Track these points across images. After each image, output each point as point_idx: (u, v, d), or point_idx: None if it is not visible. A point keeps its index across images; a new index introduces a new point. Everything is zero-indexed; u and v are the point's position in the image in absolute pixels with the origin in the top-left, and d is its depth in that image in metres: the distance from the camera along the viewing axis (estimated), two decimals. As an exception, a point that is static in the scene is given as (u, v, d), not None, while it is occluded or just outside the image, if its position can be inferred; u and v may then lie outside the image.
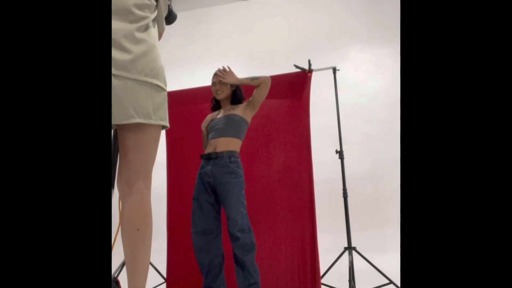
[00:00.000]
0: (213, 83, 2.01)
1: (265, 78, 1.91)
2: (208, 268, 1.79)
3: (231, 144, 1.88)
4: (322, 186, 2.78)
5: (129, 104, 1.03)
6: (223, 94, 1.99)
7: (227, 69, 1.96)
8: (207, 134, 2.03)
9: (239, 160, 1.89)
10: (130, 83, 1.03)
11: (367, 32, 3.90)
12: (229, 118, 1.92)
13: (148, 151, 1.09)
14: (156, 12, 1.19)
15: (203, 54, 4.28)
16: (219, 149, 1.86)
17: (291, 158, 2.35)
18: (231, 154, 1.85)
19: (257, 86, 1.91)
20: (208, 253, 1.80)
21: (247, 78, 1.92)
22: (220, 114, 2.00)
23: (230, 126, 1.90)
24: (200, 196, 1.87)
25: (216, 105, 2.12)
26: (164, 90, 1.15)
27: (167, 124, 1.16)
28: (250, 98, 1.97)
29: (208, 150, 1.91)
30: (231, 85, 2.02)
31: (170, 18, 1.40)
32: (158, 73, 1.10)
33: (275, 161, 2.38)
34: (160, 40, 1.24)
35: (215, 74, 2.02)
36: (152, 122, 1.07)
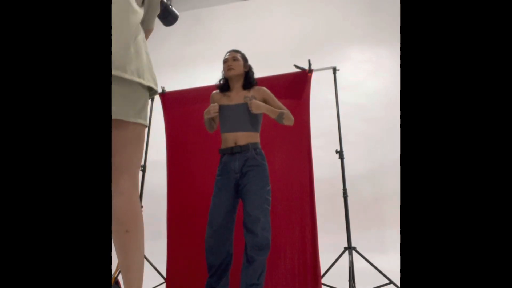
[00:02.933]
0: (226, 59, 1.89)
1: (291, 122, 1.86)
2: (216, 269, 1.72)
3: (252, 137, 1.80)
4: (322, 186, 2.78)
5: (116, 102, 0.99)
6: (235, 71, 1.85)
7: (254, 101, 1.79)
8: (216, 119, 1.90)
9: (263, 152, 1.81)
10: (115, 80, 1.00)
11: (367, 32, 3.91)
12: (247, 111, 1.80)
13: (131, 149, 1.06)
14: (142, 11, 1.17)
15: (203, 54, 4.28)
16: (241, 142, 1.77)
17: (291, 158, 2.35)
18: (255, 146, 1.78)
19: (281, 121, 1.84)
20: (220, 255, 1.72)
21: (274, 111, 1.81)
22: (233, 100, 1.86)
23: (250, 121, 1.81)
24: (222, 193, 1.75)
25: (225, 86, 1.94)
26: (144, 87, 1.10)
27: (146, 123, 1.12)
28: (271, 102, 1.88)
29: (228, 144, 1.80)
30: (244, 66, 1.91)
31: (171, 18, 1.36)
32: (138, 70, 1.05)
33: (275, 161, 2.38)
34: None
35: (230, 51, 1.93)
36: (131, 119, 1.04)
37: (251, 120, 1.81)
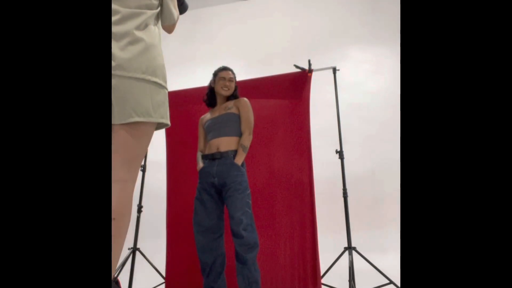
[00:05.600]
0: (222, 77, 2.01)
1: (250, 142, 1.91)
2: (210, 268, 1.79)
3: (233, 143, 1.89)
4: (322, 186, 2.78)
5: (127, 103, 1.02)
6: (230, 91, 2.02)
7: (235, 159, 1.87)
8: (205, 135, 2.05)
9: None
10: (126, 82, 1.02)
11: (367, 32, 3.90)
12: (228, 117, 1.93)
13: (138, 143, 1.07)
14: (158, 9, 1.19)
15: (203, 54, 4.28)
16: (222, 149, 1.87)
17: (291, 158, 2.35)
18: (235, 153, 1.86)
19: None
20: (211, 253, 1.80)
21: (243, 154, 1.86)
22: (216, 113, 2.01)
23: (231, 125, 1.92)
24: (203, 196, 1.86)
25: (211, 100, 2.09)
26: (164, 87, 1.13)
27: (168, 122, 1.15)
28: (242, 113, 1.95)
29: (211, 150, 1.91)
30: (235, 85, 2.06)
31: (182, 8, 1.39)
32: (156, 70, 1.09)
33: (275, 161, 2.38)
34: (161, 40, 1.24)
35: (226, 69, 2.04)
36: (153, 120, 1.06)
37: (232, 126, 1.92)
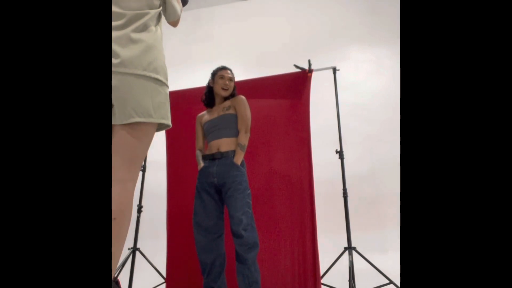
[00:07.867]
0: (222, 76, 2.02)
1: (247, 140, 1.91)
2: (210, 268, 1.79)
3: (233, 143, 1.90)
4: (322, 186, 2.78)
5: (128, 103, 1.02)
6: (229, 91, 2.02)
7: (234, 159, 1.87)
8: (203, 134, 2.06)
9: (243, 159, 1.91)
10: (127, 80, 1.02)
11: (367, 32, 3.90)
12: (226, 118, 1.94)
13: (139, 143, 1.07)
14: (160, 8, 1.19)
15: (203, 54, 4.28)
16: (223, 149, 1.88)
17: (291, 158, 2.35)
18: (234, 153, 1.87)
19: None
20: (211, 253, 1.80)
21: (242, 152, 1.86)
22: (214, 114, 2.01)
23: (230, 126, 1.92)
24: (203, 196, 1.87)
25: (210, 100, 2.09)
26: (165, 85, 1.13)
27: (169, 123, 1.14)
28: (239, 111, 1.95)
29: (211, 151, 1.92)
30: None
31: (183, 1, 1.41)
32: (156, 68, 1.09)
33: (275, 161, 2.38)
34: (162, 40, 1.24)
35: (225, 68, 2.05)
36: (153, 120, 1.06)
37: (231, 127, 1.93)
